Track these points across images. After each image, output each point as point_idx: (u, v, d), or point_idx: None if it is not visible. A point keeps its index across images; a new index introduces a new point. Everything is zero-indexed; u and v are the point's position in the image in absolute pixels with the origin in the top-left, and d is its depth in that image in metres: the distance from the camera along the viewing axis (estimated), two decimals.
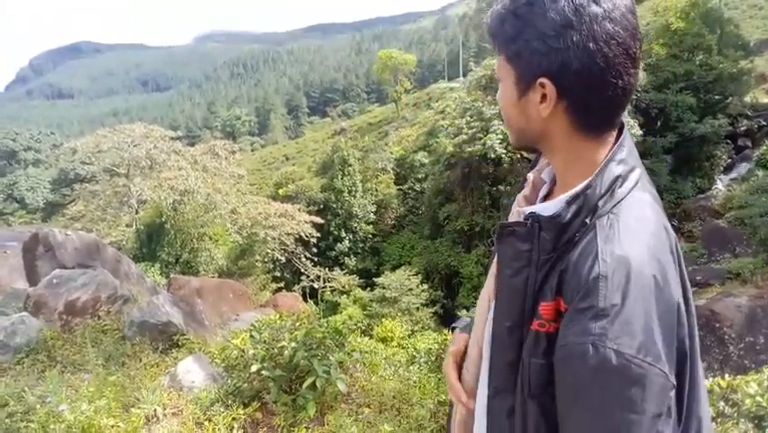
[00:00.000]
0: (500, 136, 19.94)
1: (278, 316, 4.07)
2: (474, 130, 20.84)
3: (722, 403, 3.23)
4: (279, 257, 23.11)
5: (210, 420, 3.45)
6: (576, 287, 0.93)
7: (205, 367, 4.14)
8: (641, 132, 19.28)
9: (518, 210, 1.19)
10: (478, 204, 23.10)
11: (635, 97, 20.12)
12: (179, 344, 5.02)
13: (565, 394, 0.95)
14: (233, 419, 3.45)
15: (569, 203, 1.01)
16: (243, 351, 3.83)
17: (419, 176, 30.80)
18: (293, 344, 3.62)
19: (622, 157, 1.04)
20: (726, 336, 9.16)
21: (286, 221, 22.83)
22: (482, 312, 1.24)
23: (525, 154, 20.71)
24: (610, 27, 0.96)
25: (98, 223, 21.57)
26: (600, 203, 0.99)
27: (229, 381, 3.80)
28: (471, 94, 23.45)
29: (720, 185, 21.38)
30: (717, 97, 22.50)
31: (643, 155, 17.16)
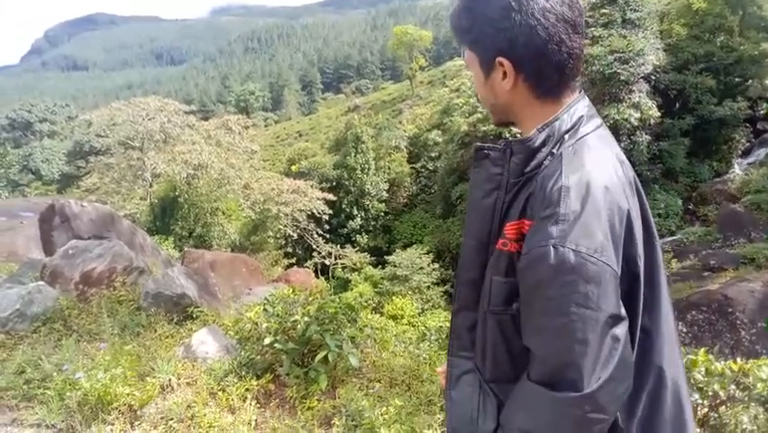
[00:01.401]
0: None
1: (291, 290, 4.11)
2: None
3: (733, 387, 3.23)
4: (291, 233, 23.22)
5: (224, 391, 3.51)
6: (541, 201, 1.05)
7: (219, 339, 4.20)
8: (659, 113, 19.03)
9: None
10: None
11: (654, 78, 19.91)
12: (193, 316, 5.08)
13: (527, 297, 1.05)
14: (247, 389, 3.51)
15: (539, 130, 1.14)
16: (257, 324, 3.88)
17: (432, 155, 30.66)
18: (306, 318, 3.66)
19: (585, 104, 1.20)
20: (739, 321, 9.12)
21: (298, 197, 22.87)
22: None
23: None
24: (544, 2, 1.12)
25: (113, 195, 21.72)
26: (566, 136, 1.13)
27: (242, 353, 3.86)
28: None
29: (737, 169, 21.08)
30: (737, 80, 22.10)
31: (660, 137, 16.98)
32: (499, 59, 1.15)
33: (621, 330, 1.02)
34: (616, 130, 19.34)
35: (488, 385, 1.18)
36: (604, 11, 20.46)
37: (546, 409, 1.02)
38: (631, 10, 20.29)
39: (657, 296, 1.17)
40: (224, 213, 22.08)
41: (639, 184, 1.24)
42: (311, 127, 59.34)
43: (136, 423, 3.27)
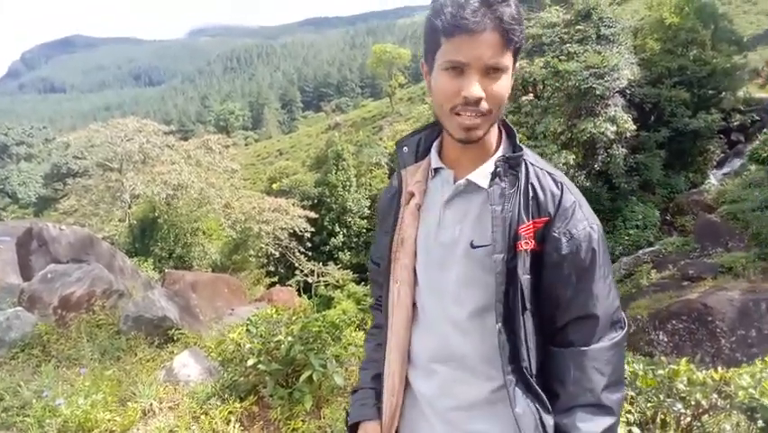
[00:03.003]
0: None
1: (274, 310, 4.08)
2: None
3: (715, 395, 3.26)
4: (273, 252, 23.04)
5: (207, 414, 3.46)
6: (554, 198, 1.23)
7: (201, 361, 4.14)
8: (635, 126, 19.34)
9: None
10: None
11: (629, 92, 20.28)
12: (175, 338, 5.01)
13: (578, 274, 1.23)
14: (230, 412, 3.46)
15: (515, 145, 1.29)
16: (240, 345, 3.84)
17: None
18: (289, 338, 3.62)
19: None
20: (719, 330, 9.22)
21: (280, 216, 22.74)
22: (402, 304, 1.41)
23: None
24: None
25: (91, 218, 21.39)
26: (516, 142, 1.30)
27: (225, 375, 3.80)
28: None
29: (713, 180, 21.43)
30: (710, 92, 22.54)
31: (636, 149, 17.20)
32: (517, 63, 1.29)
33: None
34: (593, 143, 19.60)
35: (536, 383, 1.27)
36: (579, 27, 20.82)
37: (615, 354, 1.25)
38: (605, 26, 20.67)
39: None
40: (204, 233, 21.86)
41: None
42: (291, 146, 59.31)
43: None
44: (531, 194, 1.24)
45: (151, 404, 3.54)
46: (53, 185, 39.17)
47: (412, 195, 1.38)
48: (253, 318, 3.96)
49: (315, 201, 28.62)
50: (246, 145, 67.82)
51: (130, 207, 21.25)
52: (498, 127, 1.33)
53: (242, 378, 3.72)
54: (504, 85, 1.20)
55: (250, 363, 3.53)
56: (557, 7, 22.85)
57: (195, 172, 20.78)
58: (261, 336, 3.71)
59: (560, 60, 20.06)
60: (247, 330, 3.86)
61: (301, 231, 23.14)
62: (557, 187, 1.25)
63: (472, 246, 1.27)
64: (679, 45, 23.03)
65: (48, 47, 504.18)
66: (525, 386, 1.26)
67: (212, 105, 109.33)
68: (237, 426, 3.33)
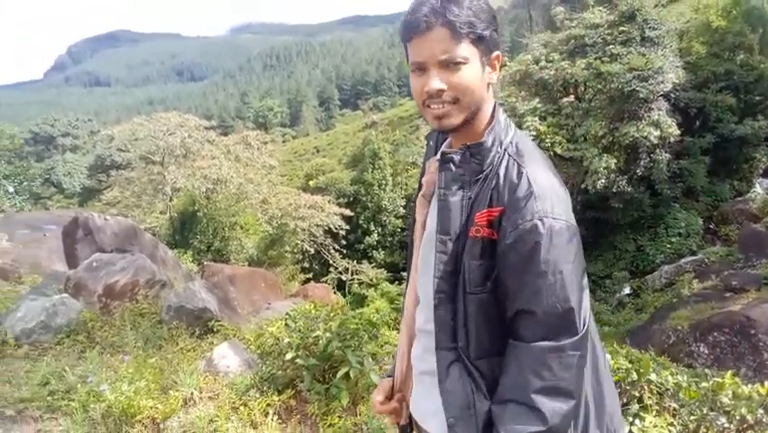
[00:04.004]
0: (533, 133, 19.69)
1: (312, 305, 4.12)
2: None
3: (761, 411, 3.17)
4: (308, 248, 23.23)
5: (245, 405, 3.52)
6: (511, 189, 1.25)
7: (240, 353, 4.21)
8: (679, 131, 18.87)
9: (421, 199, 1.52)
10: None
11: (673, 96, 19.82)
12: (214, 329, 5.11)
13: (520, 267, 1.22)
14: (268, 405, 3.51)
15: (487, 134, 1.34)
16: (278, 339, 3.89)
17: None
18: (327, 334, 3.66)
19: (501, 109, 1.42)
20: (762, 343, 8.93)
21: (315, 213, 22.93)
22: (411, 283, 1.56)
23: (559, 151, 20.48)
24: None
25: (133, 209, 21.96)
26: (502, 135, 1.35)
27: (263, 367, 3.86)
28: (505, 89, 23.19)
29: (759, 188, 20.72)
30: (757, 98, 21.80)
31: (680, 155, 16.82)
32: (497, 53, 1.36)
33: (586, 278, 1.29)
34: (635, 148, 19.19)
35: (474, 365, 1.31)
36: (622, 28, 20.40)
37: (556, 359, 1.20)
38: (650, 28, 20.21)
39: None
40: (241, 227, 22.17)
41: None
42: (328, 143, 59.71)
43: None
44: (494, 183, 1.29)
45: (192, 393, 3.61)
46: (97, 176, 40.27)
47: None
48: (292, 313, 4.01)
49: (351, 199, 28.74)
50: (284, 142, 68.51)
51: (171, 200, 21.72)
52: (492, 115, 1.40)
53: (279, 371, 3.77)
54: (466, 75, 1.29)
55: (288, 357, 3.58)
56: (600, 8, 22.43)
57: (234, 167, 21.14)
58: (300, 330, 3.75)
59: (602, 62, 19.69)
60: (286, 324, 3.91)
61: (336, 228, 23.30)
62: (518, 177, 1.26)
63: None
64: (725, 49, 22.36)
65: (93, 41, 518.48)
66: (463, 366, 1.32)
67: (251, 101, 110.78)
68: (275, 418, 3.38)
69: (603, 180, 18.51)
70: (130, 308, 5.28)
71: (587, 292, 1.27)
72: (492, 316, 1.29)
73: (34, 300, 5.12)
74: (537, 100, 20.85)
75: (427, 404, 1.43)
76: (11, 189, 22.72)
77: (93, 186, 40.00)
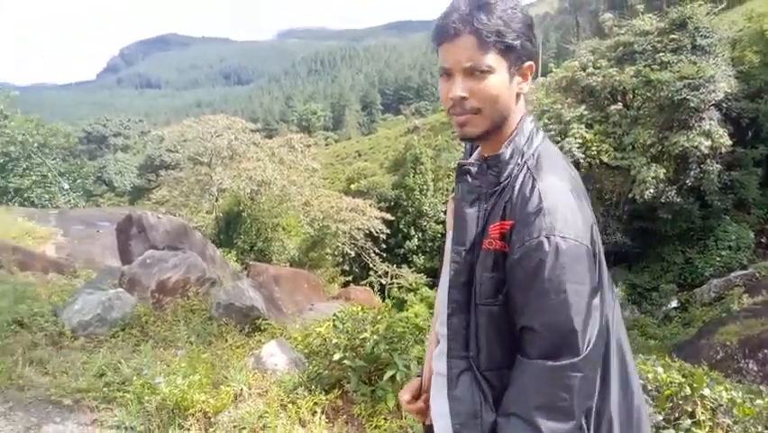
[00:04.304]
0: (579, 140, 19.41)
1: (360, 308, 4.17)
2: (551, 133, 20.32)
3: None
4: (349, 251, 23.36)
5: (293, 403, 3.58)
6: (523, 203, 1.24)
7: (287, 352, 4.30)
8: (730, 142, 18.30)
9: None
10: None
11: (725, 105, 19.24)
12: (261, 328, 5.22)
13: (525, 283, 1.21)
14: (315, 403, 3.57)
15: (506, 146, 1.34)
16: (326, 339, 3.96)
17: None
18: (374, 336, 3.70)
19: (530, 119, 1.40)
20: None
21: (357, 216, 23.04)
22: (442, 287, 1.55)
23: (606, 160, 20.10)
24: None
25: (181, 208, 22.50)
26: (525, 148, 1.34)
27: (310, 367, 3.93)
28: (550, 95, 22.93)
29: None
30: None
31: (731, 166, 16.30)
32: (529, 63, 1.34)
33: (598, 299, 1.24)
34: (685, 158, 18.71)
35: (483, 376, 1.31)
36: (673, 36, 19.94)
37: (554, 378, 1.19)
38: (701, 36, 19.69)
39: (602, 269, 1.33)
40: (284, 228, 22.48)
41: (582, 185, 1.43)
42: (370, 147, 59.98)
43: (210, 430, 3.38)
44: (508, 196, 1.28)
45: (242, 389, 3.70)
46: (147, 175, 41.46)
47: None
48: (339, 314, 4.08)
49: (392, 203, 28.81)
50: (326, 145, 69.21)
51: (217, 200, 22.17)
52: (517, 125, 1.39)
53: (326, 371, 3.83)
54: (490, 84, 1.29)
55: (336, 357, 3.64)
56: (650, 15, 22.00)
57: (278, 170, 21.43)
58: (348, 331, 3.81)
59: (652, 70, 19.30)
60: (334, 325, 3.97)
61: (377, 232, 23.36)
62: (530, 192, 1.25)
63: None
64: None
65: (145, 44, 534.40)
66: (473, 376, 1.33)
67: (295, 105, 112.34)
68: (323, 417, 3.44)
69: (651, 190, 18.11)
70: (181, 304, 5.44)
71: (597, 314, 1.23)
72: (503, 329, 1.29)
73: (91, 294, 5.31)
74: (584, 107, 20.53)
75: (438, 405, 1.45)
76: (66, 186, 23.60)
77: (142, 185, 41.19)
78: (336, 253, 23.50)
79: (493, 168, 1.33)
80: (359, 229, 22.94)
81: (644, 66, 19.62)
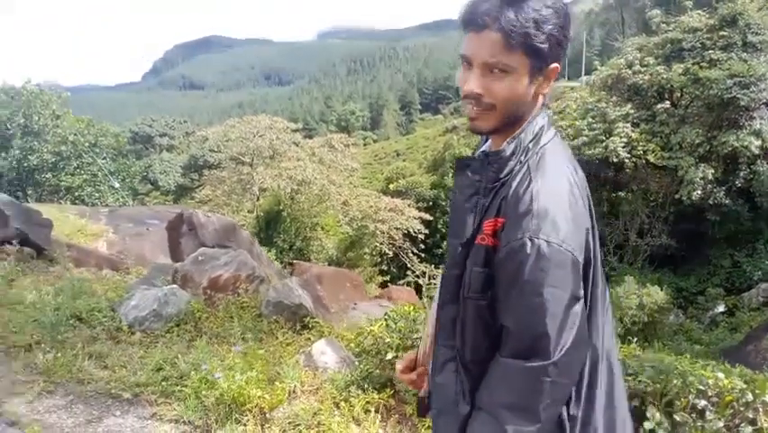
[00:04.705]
0: (624, 140, 19.03)
1: (411, 307, 4.20)
2: (596, 132, 20.00)
3: None
4: (387, 251, 23.41)
5: (346, 401, 3.63)
6: (515, 202, 1.24)
7: (337, 350, 4.35)
8: None
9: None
10: (594, 210, 22.17)
11: None
12: (309, 326, 5.29)
13: (506, 282, 1.23)
14: (368, 402, 3.61)
15: (508, 142, 1.33)
16: (378, 338, 3.99)
17: None
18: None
19: (544, 116, 1.38)
20: None
21: (395, 216, 23.08)
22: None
23: (652, 159, 19.63)
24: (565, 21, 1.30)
25: (223, 207, 22.93)
26: (530, 145, 1.32)
27: (362, 366, 3.97)
28: (595, 94, 22.54)
29: None
30: None
31: None
32: (555, 65, 1.31)
33: (579, 308, 1.23)
34: (734, 158, 18.17)
35: (466, 367, 1.34)
36: (723, 33, 19.38)
37: (522, 379, 1.21)
38: (752, 33, 19.07)
39: (597, 277, 1.34)
40: (322, 228, 22.68)
41: (587, 185, 1.42)
42: (408, 147, 59.98)
43: (266, 426, 3.45)
44: (504, 193, 1.28)
45: (294, 386, 3.77)
46: (190, 175, 42.33)
47: None
48: (391, 314, 4.11)
49: (430, 203, 28.72)
50: (365, 145, 69.47)
51: (258, 200, 22.52)
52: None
53: (377, 370, 3.86)
54: (508, 84, 1.27)
55: (389, 356, 3.67)
56: (700, 11, 21.42)
57: (317, 169, 21.63)
58: (400, 331, 3.84)
59: (701, 67, 18.80)
60: (387, 325, 4.01)
61: (415, 232, 23.34)
62: (524, 192, 1.24)
63: None
64: None
65: (188, 46, 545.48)
66: (456, 366, 1.36)
67: (334, 105, 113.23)
68: (377, 417, 3.48)
69: (699, 191, 17.64)
70: (232, 301, 5.55)
71: (575, 322, 1.21)
72: (490, 324, 1.29)
73: (147, 290, 5.48)
74: (630, 106, 20.14)
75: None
76: (117, 185, 24.33)
77: (186, 184, 42.08)
78: (374, 252, 23.56)
79: (494, 164, 1.33)
80: (397, 229, 22.97)
81: (693, 63, 19.15)
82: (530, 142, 1.33)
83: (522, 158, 1.31)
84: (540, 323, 1.18)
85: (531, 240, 1.18)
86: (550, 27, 1.24)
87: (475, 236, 1.30)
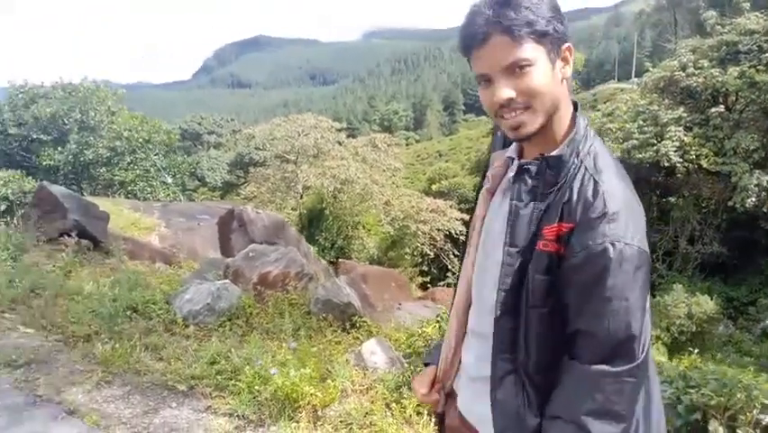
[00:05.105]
0: (676, 144, 18.49)
1: None
2: (647, 135, 19.49)
3: None
4: (428, 252, 23.33)
5: (398, 402, 3.64)
6: (585, 206, 1.20)
7: (387, 351, 4.36)
8: None
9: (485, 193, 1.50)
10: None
11: None
12: (357, 325, 5.33)
13: (585, 288, 1.19)
14: (419, 404, 3.60)
15: (567, 145, 1.31)
16: (432, 340, 3.99)
17: None
18: None
19: (583, 116, 1.36)
20: None
21: (437, 216, 22.95)
22: (465, 275, 1.52)
23: (705, 165, 19.03)
24: None
25: (267, 205, 23.21)
26: (580, 145, 1.30)
27: (412, 367, 3.97)
28: (646, 96, 21.96)
29: None
30: None
31: None
32: (567, 44, 1.30)
33: (649, 303, 1.25)
34: None
35: (530, 379, 1.30)
36: None
37: (608, 384, 1.18)
38: None
39: None
40: (364, 227, 22.75)
41: None
42: (451, 148, 59.71)
43: (318, 423, 3.48)
44: (567, 197, 1.24)
45: (346, 385, 3.80)
46: (236, 172, 43.11)
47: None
48: (444, 315, 4.10)
49: (473, 205, 28.50)
50: (407, 145, 69.38)
51: (301, 197, 22.75)
52: (573, 122, 1.35)
53: None
54: (534, 76, 1.24)
55: None
56: (757, 13, 20.63)
57: (360, 168, 21.71)
58: None
59: (757, 71, 18.15)
60: (439, 327, 4.00)
61: (457, 234, 23.16)
62: (593, 195, 1.21)
63: None
64: None
65: (237, 46, 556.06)
66: (518, 379, 1.31)
67: (377, 105, 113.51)
68: (432, 419, 3.47)
69: (753, 199, 17.04)
70: (281, 297, 5.63)
71: (648, 318, 1.23)
72: (554, 332, 1.27)
73: (200, 284, 5.60)
74: (682, 109, 19.56)
75: (482, 409, 1.41)
76: (169, 180, 24.99)
77: (232, 181, 42.87)
78: (415, 253, 23.51)
79: (553, 168, 1.29)
80: (439, 230, 22.85)
81: (749, 67, 18.51)
82: (581, 142, 1.31)
83: (576, 160, 1.28)
84: (627, 326, 1.18)
85: (612, 244, 1.17)
86: (546, 9, 1.24)
87: (534, 243, 1.27)
